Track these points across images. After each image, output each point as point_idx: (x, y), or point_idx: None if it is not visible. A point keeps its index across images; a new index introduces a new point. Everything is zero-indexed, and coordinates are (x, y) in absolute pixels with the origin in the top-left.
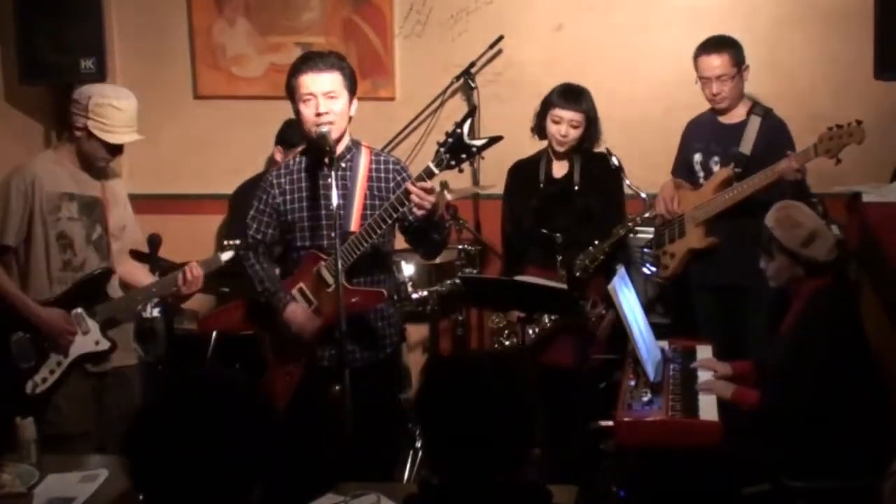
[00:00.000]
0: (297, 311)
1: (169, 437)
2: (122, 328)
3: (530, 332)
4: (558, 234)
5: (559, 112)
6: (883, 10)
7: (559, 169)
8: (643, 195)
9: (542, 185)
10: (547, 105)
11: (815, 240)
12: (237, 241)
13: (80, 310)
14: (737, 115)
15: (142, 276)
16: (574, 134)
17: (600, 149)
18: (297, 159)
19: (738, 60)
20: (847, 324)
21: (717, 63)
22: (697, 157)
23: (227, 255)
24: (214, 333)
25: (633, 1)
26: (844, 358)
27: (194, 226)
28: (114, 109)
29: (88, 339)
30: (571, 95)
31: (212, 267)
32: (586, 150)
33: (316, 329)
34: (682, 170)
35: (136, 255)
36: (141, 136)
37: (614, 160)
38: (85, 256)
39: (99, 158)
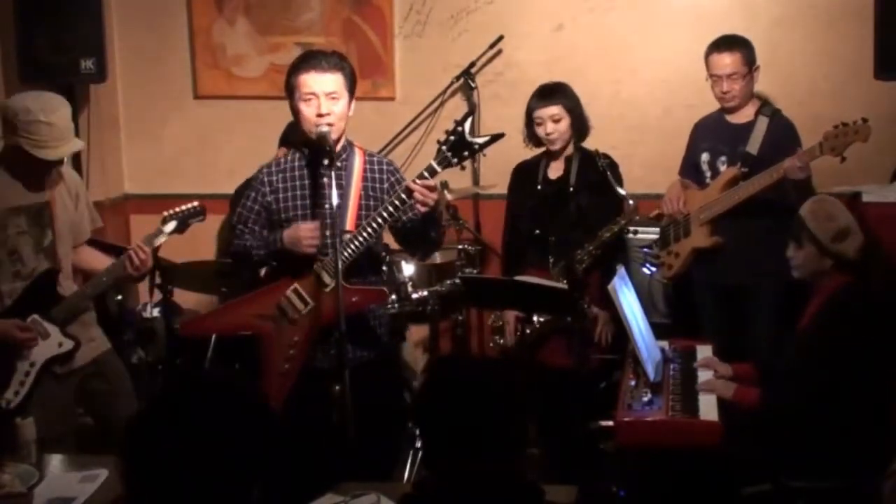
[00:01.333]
0: (295, 228)
1: (168, 437)
2: (81, 323)
3: (527, 330)
4: (552, 236)
5: (538, 113)
6: (883, 10)
7: (556, 170)
8: (630, 202)
9: (539, 187)
10: (528, 109)
11: (848, 236)
12: (177, 210)
13: (35, 316)
14: (745, 114)
15: (98, 262)
16: (560, 128)
17: (594, 147)
18: (291, 157)
19: (750, 60)
20: (864, 325)
21: (728, 61)
22: (705, 156)
23: (169, 227)
24: (209, 335)
25: (634, 1)
26: (854, 359)
27: (194, 225)
28: (43, 125)
29: (51, 342)
30: (545, 93)
31: (157, 240)
32: (586, 151)
33: (319, 234)
34: (690, 170)
35: None
36: (80, 145)
37: (601, 162)
38: (35, 265)
39: (40, 172)
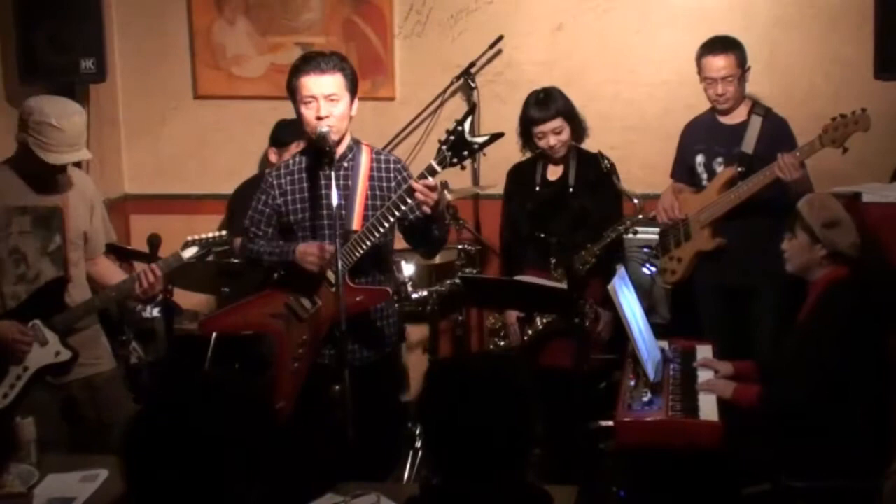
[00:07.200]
0: (308, 246)
1: (168, 437)
2: (88, 336)
3: (529, 332)
4: (553, 238)
5: (539, 128)
6: (883, 10)
7: (554, 171)
8: (635, 200)
9: (537, 188)
10: (525, 123)
11: (839, 225)
12: (201, 237)
13: (37, 322)
14: (738, 115)
15: (114, 275)
16: (563, 138)
17: (595, 149)
18: (297, 159)
19: (742, 61)
20: (859, 321)
21: (722, 64)
22: (699, 158)
23: (188, 253)
24: (214, 334)
25: (633, 1)
26: (850, 356)
27: (194, 226)
28: (53, 129)
29: (48, 350)
30: (541, 105)
31: (172, 266)
32: (582, 151)
33: (324, 254)
34: (683, 172)
35: (137, 255)
36: (86, 155)
37: (605, 163)
38: (39, 269)
39: (46, 175)
